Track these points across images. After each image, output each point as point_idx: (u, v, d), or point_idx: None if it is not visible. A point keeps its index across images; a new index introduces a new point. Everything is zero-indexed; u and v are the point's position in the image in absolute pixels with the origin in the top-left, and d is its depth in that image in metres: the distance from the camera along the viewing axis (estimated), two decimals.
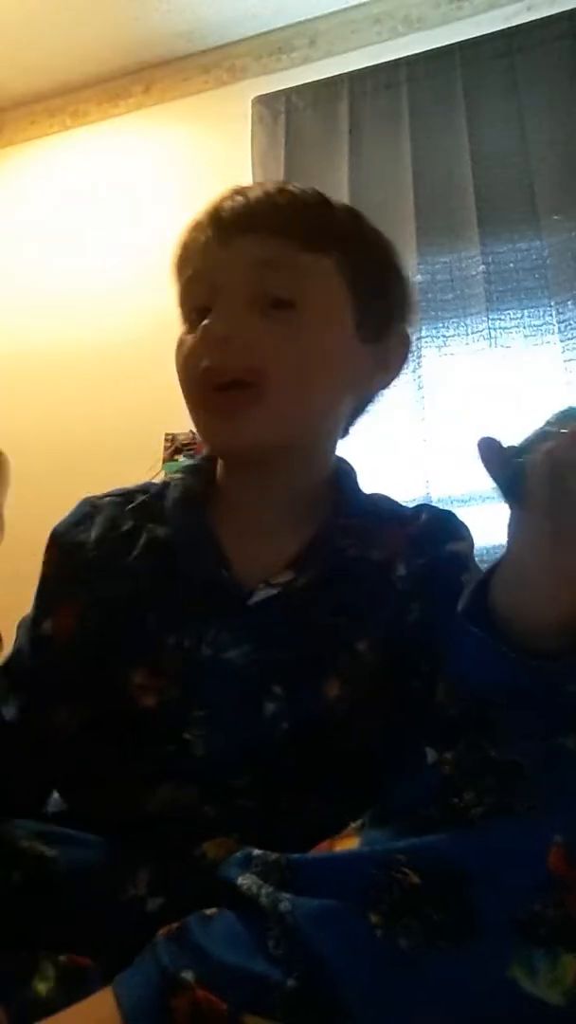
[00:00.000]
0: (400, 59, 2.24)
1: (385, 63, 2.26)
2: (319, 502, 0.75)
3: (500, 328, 1.98)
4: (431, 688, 0.63)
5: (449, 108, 2.14)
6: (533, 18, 2.14)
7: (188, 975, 0.45)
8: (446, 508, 0.79)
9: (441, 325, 2.04)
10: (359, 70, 2.28)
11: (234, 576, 0.70)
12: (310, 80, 2.35)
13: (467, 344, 2.01)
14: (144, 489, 0.81)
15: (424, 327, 2.03)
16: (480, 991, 0.43)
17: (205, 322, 0.68)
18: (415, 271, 2.06)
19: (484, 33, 2.17)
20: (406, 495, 1.91)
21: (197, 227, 0.74)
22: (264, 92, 2.39)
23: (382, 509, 0.78)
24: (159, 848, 0.58)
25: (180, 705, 0.66)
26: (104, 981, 0.48)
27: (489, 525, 2.10)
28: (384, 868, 0.46)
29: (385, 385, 0.78)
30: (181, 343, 0.73)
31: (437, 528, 0.75)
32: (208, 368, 0.68)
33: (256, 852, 0.51)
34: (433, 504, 0.80)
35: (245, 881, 0.49)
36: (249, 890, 0.48)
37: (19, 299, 2.65)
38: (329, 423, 0.75)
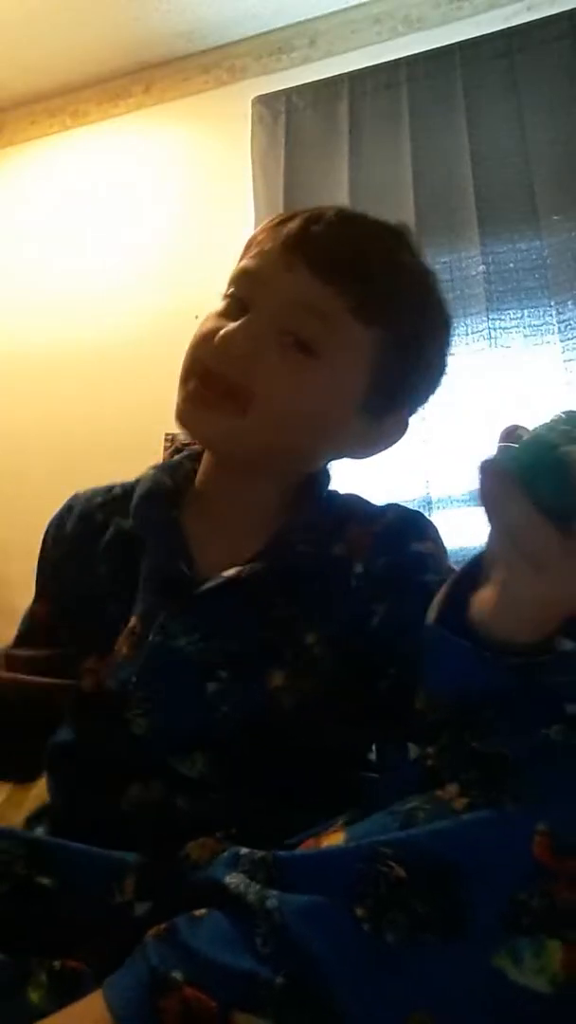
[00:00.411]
0: (400, 59, 2.24)
1: (385, 63, 2.26)
2: (288, 505, 0.76)
3: (500, 328, 1.98)
4: (400, 689, 0.63)
5: (449, 108, 2.13)
6: (533, 18, 2.14)
7: (177, 975, 0.45)
8: (415, 510, 0.80)
9: None
10: (359, 70, 2.28)
11: (195, 570, 0.71)
12: (310, 80, 2.35)
13: (467, 344, 2.00)
14: (124, 484, 0.83)
15: None
16: (468, 983, 0.43)
17: (231, 327, 0.69)
18: None
19: (484, 33, 2.17)
20: (406, 495, 1.91)
21: (275, 229, 0.74)
22: (264, 92, 2.39)
23: (350, 507, 0.78)
24: (142, 851, 0.58)
25: (123, 687, 0.67)
26: (97, 986, 0.48)
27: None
28: (370, 862, 0.46)
29: (368, 456, 0.78)
30: (205, 321, 0.74)
31: (403, 528, 0.75)
32: (208, 367, 0.70)
33: (243, 851, 0.51)
34: (402, 504, 0.80)
35: (232, 880, 0.49)
36: (236, 889, 0.48)
37: (19, 299, 2.65)
38: (298, 462, 0.76)
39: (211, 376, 0.69)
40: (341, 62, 2.35)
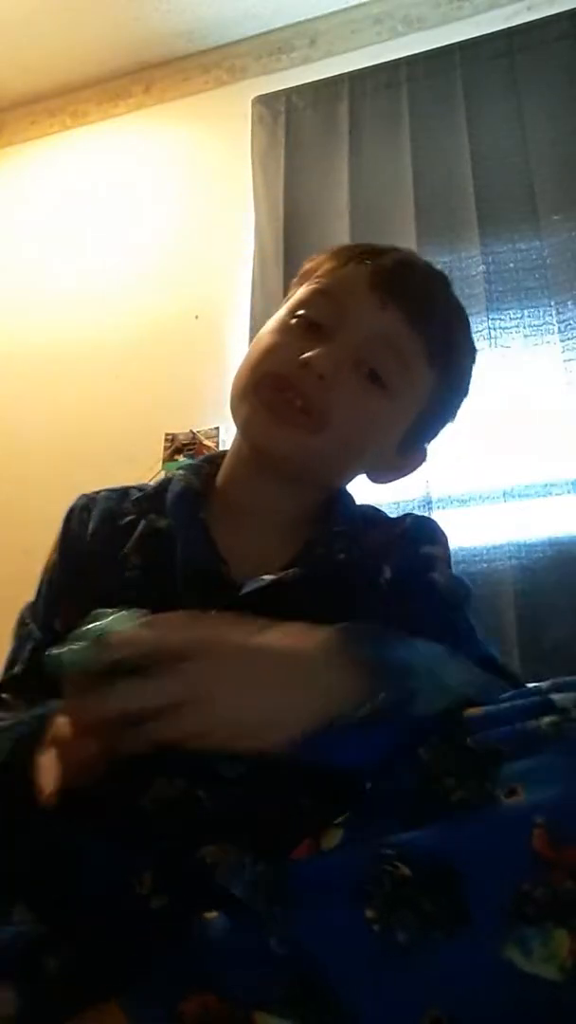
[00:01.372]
0: (400, 59, 2.24)
1: (385, 63, 2.26)
2: (314, 516, 0.80)
3: (500, 328, 1.98)
4: None
5: (449, 108, 2.13)
6: (533, 18, 2.14)
7: (194, 979, 0.45)
8: (429, 517, 0.87)
9: None
10: (359, 70, 2.28)
11: (228, 572, 0.73)
12: (310, 80, 2.35)
13: None
14: (140, 487, 0.84)
15: None
16: (479, 976, 0.44)
17: (314, 352, 0.72)
18: None
19: (484, 33, 2.17)
20: (406, 495, 1.91)
21: (368, 257, 0.78)
22: (264, 92, 2.39)
23: (370, 516, 0.84)
24: (160, 846, 0.59)
25: None
26: (112, 970, 0.49)
27: (489, 525, 2.10)
28: (375, 862, 0.47)
29: (384, 482, 0.85)
30: (274, 332, 0.78)
31: (417, 532, 0.81)
32: (288, 386, 0.73)
33: (248, 859, 0.52)
34: (417, 514, 0.87)
35: (239, 889, 0.50)
36: (245, 897, 0.49)
37: (19, 299, 2.65)
38: (335, 477, 0.82)
39: (290, 389, 0.73)
40: (341, 62, 2.35)
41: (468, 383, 0.84)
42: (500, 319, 1.98)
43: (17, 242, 2.73)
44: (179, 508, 0.77)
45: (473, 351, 0.85)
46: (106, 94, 2.70)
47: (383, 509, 0.87)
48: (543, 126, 2.03)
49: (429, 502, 1.91)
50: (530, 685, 0.60)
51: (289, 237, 2.20)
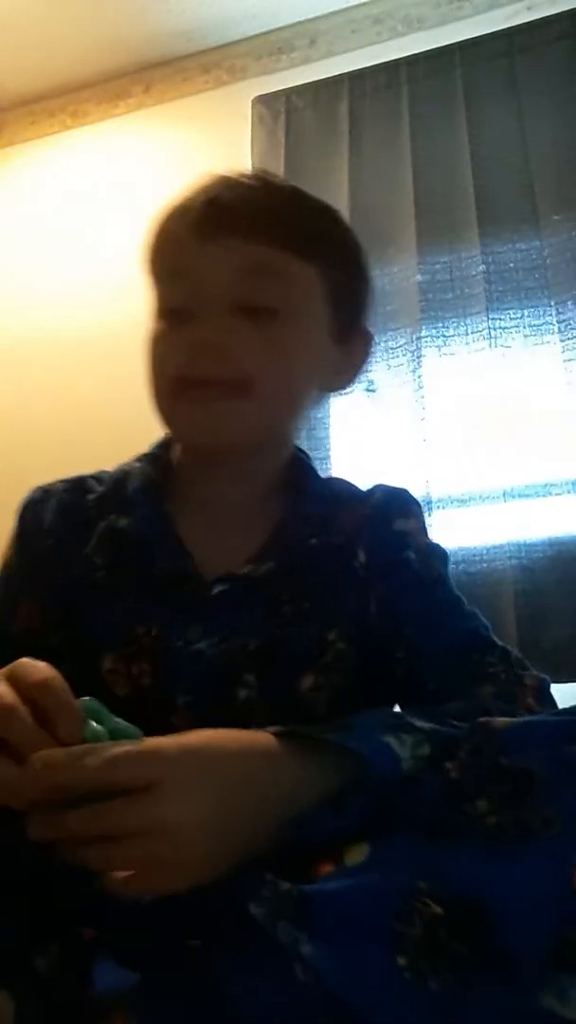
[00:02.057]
0: (400, 59, 2.23)
1: (385, 63, 2.25)
2: (278, 494, 0.77)
3: (500, 328, 1.98)
4: (413, 675, 0.66)
5: (449, 108, 2.13)
6: (533, 18, 2.14)
7: (208, 1001, 0.44)
8: (401, 487, 0.82)
9: (441, 325, 2.04)
10: (359, 70, 2.28)
11: (196, 567, 0.71)
12: (310, 80, 2.35)
13: (467, 344, 2.00)
14: (97, 477, 0.81)
15: (424, 327, 2.03)
16: None
17: (190, 330, 0.68)
18: (415, 271, 2.06)
19: (484, 33, 2.16)
20: None
21: (177, 218, 0.73)
22: (264, 92, 2.39)
23: (340, 493, 0.80)
24: None
25: (159, 692, 0.66)
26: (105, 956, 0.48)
27: (489, 525, 2.09)
28: (405, 898, 0.44)
29: (350, 381, 0.80)
30: (156, 341, 0.73)
31: (388, 506, 0.78)
32: (191, 375, 0.68)
33: (268, 876, 0.48)
34: (388, 484, 0.82)
35: (258, 911, 0.46)
36: (265, 920, 0.46)
37: (19, 299, 2.65)
38: (298, 419, 0.78)
39: (198, 383, 0.69)
40: (341, 62, 2.35)
41: (352, 240, 0.78)
42: (500, 319, 1.98)
43: (17, 242, 2.73)
44: (141, 505, 0.75)
45: (349, 228, 0.79)
46: (106, 94, 2.70)
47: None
48: (543, 126, 2.03)
49: (429, 502, 1.91)
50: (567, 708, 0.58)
51: None
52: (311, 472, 0.80)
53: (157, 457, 0.80)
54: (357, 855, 0.49)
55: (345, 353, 0.77)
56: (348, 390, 0.81)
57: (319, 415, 2.09)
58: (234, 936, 0.47)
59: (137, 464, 0.80)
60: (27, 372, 2.57)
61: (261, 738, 0.53)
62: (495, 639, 0.74)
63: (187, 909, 0.49)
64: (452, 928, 0.43)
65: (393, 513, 0.77)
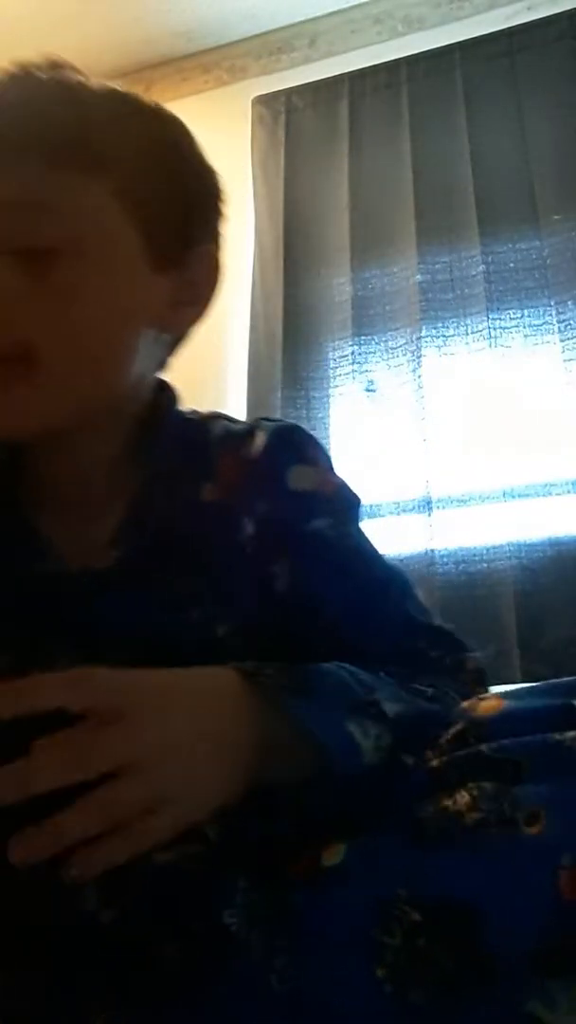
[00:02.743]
0: (400, 59, 2.23)
1: (385, 63, 2.25)
2: (141, 451, 0.61)
3: (500, 328, 1.98)
4: (342, 650, 0.57)
5: (449, 108, 2.13)
6: (533, 18, 2.14)
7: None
8: (290, 423, 0.66)
9: (441, 325, 2.04)
10: (359, 70, 2.28)
11: (53, 561, 0.58)
12: (310, 80, 2.35)
13: (467, 344, 2.00)
14: None
15: (424, 327, 2.03)
16: None
17: None
18: (415, 271, 2.06)
19: (484, 33, 2.16)
20: (406, 495, 1.91)
21: None
22: (264, 92, 2.39)
23: (208, 432, 0.64)
24: None
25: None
26: (62, 995, 0.44)
27: (489, 525, 2.09)
28: (384, 905, 0.42)
29: (197, 316, 0.62)
30: None
31: (277, 456, 0.62)
32: None
33: (241, 883, 0.45)
34: (272, 420, 0.66)
35: (232, 919, 0.44)
36: (239, 930, 0.44)
37: None
38: (131, 376, 0.60)
39: None
40: (341, 62, 2.35)
41: (178, 147, 0.60)
42: (500, 319, 1.98)
43: None
44: None
45: (150, 111, 0.60)
46: None
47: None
48: (543, 126, 2.03)
49: (429, 502, 1.91)
50: (552, 681, 0.55)
51: (289, 237, 2.21)
52: (171, 419, 0.63)
53: None
54: (333, 855, 0.46)
55: (178, 280, 0.59)
56: (199, 319, 0.62)
57: (319, 415, 2.10)
58: (208, 945, 0.44)
59: None
60: None
61: (222, 676, 0.49)
62: (427, 619, 0.65)
63: (160, 918, 0.46)
64: (432, 935, 0.41)
65: (285, 464, 0.61)
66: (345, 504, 0.64)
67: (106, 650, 0.55)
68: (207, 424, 0.65)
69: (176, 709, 0.46)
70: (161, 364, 0.64)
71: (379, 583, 0.64)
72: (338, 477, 0.65)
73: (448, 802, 0.45)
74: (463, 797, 0.45)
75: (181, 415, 0.65)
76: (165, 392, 0.65)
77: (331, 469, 0.64)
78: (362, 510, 0.66)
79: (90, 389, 0.57)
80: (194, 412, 0.67)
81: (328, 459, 0.64)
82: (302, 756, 0.49)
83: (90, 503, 0.61)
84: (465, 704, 0.55)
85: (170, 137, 0.60)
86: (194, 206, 0.61)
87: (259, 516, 0.60)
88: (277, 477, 0.61)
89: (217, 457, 0.62)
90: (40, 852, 0.40)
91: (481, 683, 0.64)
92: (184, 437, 0.63)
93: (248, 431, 0.64)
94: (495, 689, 0.66)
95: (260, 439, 0.62)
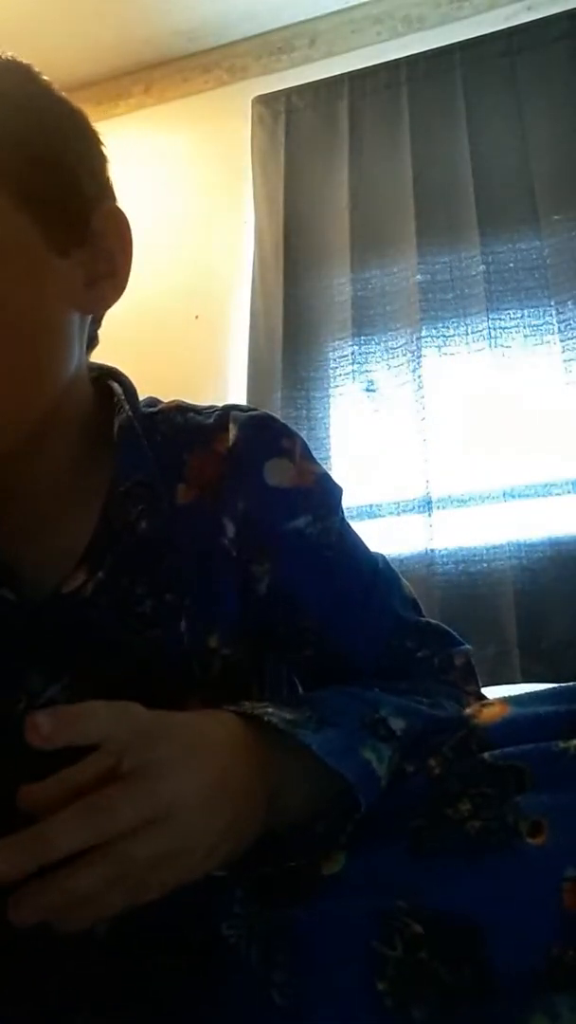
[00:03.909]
0: (400, 59, 2.23)
1: (385, 63, 2.26)
2: (101, 456, 0.56)
3: (500, 328, 1.98)
4: (328, 656, 0.57)
5: (449, 108, 2.13)
6: (533, 18, 2.14)
7: None
8: (262, 412, 0.61)
9: (441, 325, 2.04)
10: (359, 70, 2.28)
11: (22, 585, 0.54)
12: (310, 80, 2.35)
13: (467, 344, 2.01)
14: None
15: (424, 327, 2.03)
16: None
17: None
18: (415, 271, 2.06)
19: (484, 33, 2.17)
20: (406, 495, 1.91)
21: None
22: (264, 92, 2.39)
23: (176, 427, 0.59)
24: None
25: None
26: (58, 1008, 0.43)
27: (489, 525, 2.09)
28: (385, 918, 0.41)
29: (119, 286, 0.57)
30: None
31: (252, 449, 0.57)
32: None
33: (238, 894, 0.45)
34: (242, 409, 0.60)
35: (230, 932, 0.43)
36: (238, 943, 0.43)
37: None
38: (63, 377, 0.54)
39: None
40: (341, 62, 2.35)
41: (49, 113, 0.54)
42: (500, 319, 1.99)
43: None
44: None
45: (16, 74, 0.53)
46: (106, 94, 2.70)
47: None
48: (543, 126, 2.03)
49: (429, 502, 1.91)
50: (556, 686, 0.53)
51: (289, 237, 2.21)
52: (133, 412, 0.58)
53: None
54: (333, 864, 0.45)
55: (89, 255, 0.54)
56: (122, 289, 0.58)
57: (319, 415, 2.10)
58: (208, 959, 0.43)
59: None
60: None
61: (231, 724, 0.47)
62: (414, 615, 0.63)
63: (157, 930, 0.45)
64: (434, 948, 0.40)
65: (261, 457, 0.57)
66: (326, 497, 0.60)
67: (97, 670, 0.53)
68: (170, 417, 0.60)
69: (197, 764, 0.43)
70: (90, 346, 0.59)
71: (363, 583, 0.61)
72: (317, 466, 0.60)
73: (449, 810, 0.45)
74: (464, 805, 0.44)
75: (139, 410, 0.59)
76: (115, 384, 0.59)
77: (309, 457, 0.60)
78: (343, 498, 0.62)
79: (17, 404, 0.50)
80: (151, 402, 0.62)
81: (305, 447, 0.59)
82: (313, 789, 0.48)
83: (55, 519, 0.56)
84: (468, 710, 0.54)
85: (19, 92, 0.52)
86: (78, 160, 0.55)
87: (239, 515, 0.56)
88: (254, 472, 0.57)
89: (187, 454, 0.57)
90: (46, 914, 0.38)
91: (471, 679, 0.63)
92: (147, 434, 0.58)
93: (218, 424, 0.58)
94: (497, 691, 0.65)
95: (232, 432, 0.57)
